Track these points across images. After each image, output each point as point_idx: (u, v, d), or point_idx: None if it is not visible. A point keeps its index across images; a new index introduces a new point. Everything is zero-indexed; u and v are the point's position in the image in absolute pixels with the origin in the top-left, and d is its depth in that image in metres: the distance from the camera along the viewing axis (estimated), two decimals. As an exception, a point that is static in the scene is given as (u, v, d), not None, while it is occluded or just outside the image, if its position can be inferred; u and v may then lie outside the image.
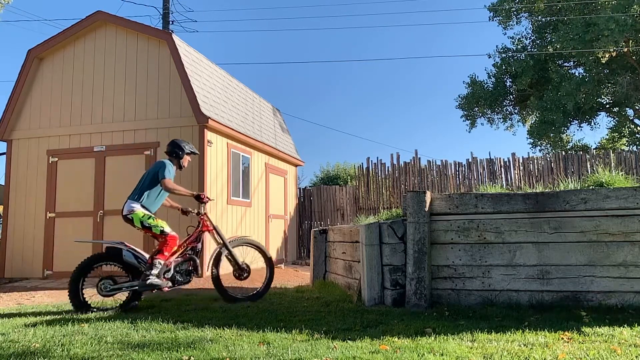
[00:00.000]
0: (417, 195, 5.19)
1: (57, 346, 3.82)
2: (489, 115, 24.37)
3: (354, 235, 6.03)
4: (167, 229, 5.46)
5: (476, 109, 23.79)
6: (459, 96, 23.95)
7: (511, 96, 23.81)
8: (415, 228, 5.09)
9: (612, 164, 12.32)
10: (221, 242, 5.82)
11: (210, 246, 8.67)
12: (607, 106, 22.45)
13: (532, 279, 4.97)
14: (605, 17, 17.28)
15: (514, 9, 22.36)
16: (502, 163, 13.35)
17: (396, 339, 3.74)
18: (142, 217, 5.39)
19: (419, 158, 13.63)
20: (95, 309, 5.36)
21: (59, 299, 7.04)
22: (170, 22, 17.59)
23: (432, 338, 3.77)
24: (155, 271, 5.24)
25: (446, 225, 5.21)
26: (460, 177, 13.46)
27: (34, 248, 9.76)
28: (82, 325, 4.62)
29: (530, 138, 23.57)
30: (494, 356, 3.28)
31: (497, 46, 27.59)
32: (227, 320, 4.68)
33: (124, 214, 5.47)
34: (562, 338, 3.71)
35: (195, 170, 9.29)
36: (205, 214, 5.76)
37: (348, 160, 28.85)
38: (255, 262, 11.00)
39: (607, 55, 18.95)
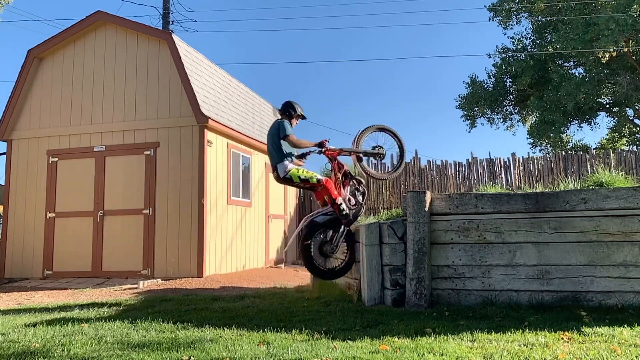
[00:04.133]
0: (417, 195, 5.19)
1: (57, 346, 3.82)
2: (489, 115, 24.37)
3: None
4: (319, 176, 5.70)
5: (476, 109, 23.80)
6: (459, 96, 23.96)
7: (511, 96, 23.81)
8: (415, 228, 5.09)
9: (612, 164, 12.31)
10: (352, 153, 6.00)
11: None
12: (607, 106, 22.45)
13: (532, 279, 4.97)
14: (605, 17, 17.28)
15: (514, 9, 22.36)
16: (502, 163, 13.34)
17: (396, 339, 3.74)
18: (298, 172, 5.59)
19: (419, 158, 13.62)
20: (332, 269, 5.77)
21: (59, 298, 7.04)
22: (170, 22, 17.59)
23: (432, 338, 3.77)
24: (343, 206, 5.57)
25: (446, 225, 5.21)
26: (460, 177, 13.45)
27: (34, 248, 9.76)
28: (82, 325, 4.62)
29: (530, 138, 23.58)
30: (494, 356, 3.28)
31: (497, 46, 27.58)
32: (227, 320, 4.68)
33: (281, 176, 5.61)
34: (562, 338, 3.71)
35: (195, 170, 9.29)
36: (327, 148, 5.86)
37: (347, 160, 28.77)
38: (255, 261, 10.95)
39: (607, 55, 18.94)
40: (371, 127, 6.13)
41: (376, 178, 6.35)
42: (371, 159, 6.33)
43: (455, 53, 61.37)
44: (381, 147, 6.14)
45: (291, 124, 5.91)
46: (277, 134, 5.67)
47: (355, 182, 5.94)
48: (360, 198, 5.90)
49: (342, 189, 5.80)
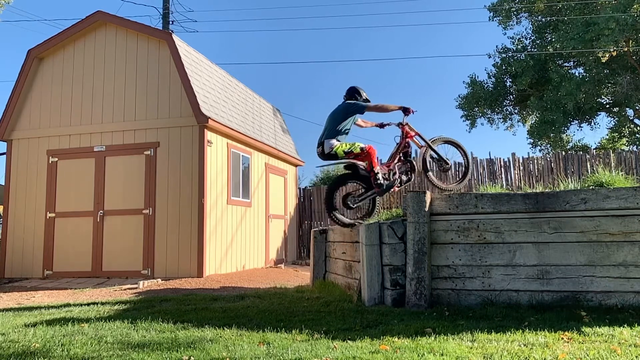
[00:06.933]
0: (417, 196, 5.19)
1: (57, 346, 3.82)
2: (489, 115, 24.34)
3: (354, 235, 6.03)
4: (362, 145, 5.90)
5: (476, 109, 23.76)
6: (459, 96, 23.92)
7: (511, 96, 23.79)
8: (415, 228, 5.09)
9: (612, 164, 12.31)
10: (424, 144, 6.19)
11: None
12: (607, 106, 22.44)
13: (532, 279, 4.97)
14: (606, 17, 17.27)
15: (514, 9, 22.34)
16: (502, 163, 13.35)
17: (396, 339, 3.74)
18: (343, 147, 5.83)
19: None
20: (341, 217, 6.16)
21: (59, 298, 7.04)
22: (170, 22, 17.58)
23: (432, 338, 3.77)
24: (380, 176, 5.82)
25: (446, 225, 5.21)
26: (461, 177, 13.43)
27: (34, 248, 9.77)
28: (82, 325, 4.63)
29: (530, 138, 23.55)
30: (494, 356, 3.28)
31: (497, 46, 27.56)
32: (227, 320, 4.68)
33: (326, 152, 5.86)
34: (562, 338, 3.71)
35: (195, 170, 9.29)
36: (407, 123, 6.10)
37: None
38: (255, 261, 10.95)
39: (607, 55, 18.92)
40: (440, 138, 6.34)
41: (439, 188, 6.46)
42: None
43: (455, 53, 61.39)
44: (448, 159, 6.38)
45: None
46: (345, 110, 5.93)
47: (409, 165, 6.18)
48: (403, 178, 6.13)
49: (393, 161, 6.08)
